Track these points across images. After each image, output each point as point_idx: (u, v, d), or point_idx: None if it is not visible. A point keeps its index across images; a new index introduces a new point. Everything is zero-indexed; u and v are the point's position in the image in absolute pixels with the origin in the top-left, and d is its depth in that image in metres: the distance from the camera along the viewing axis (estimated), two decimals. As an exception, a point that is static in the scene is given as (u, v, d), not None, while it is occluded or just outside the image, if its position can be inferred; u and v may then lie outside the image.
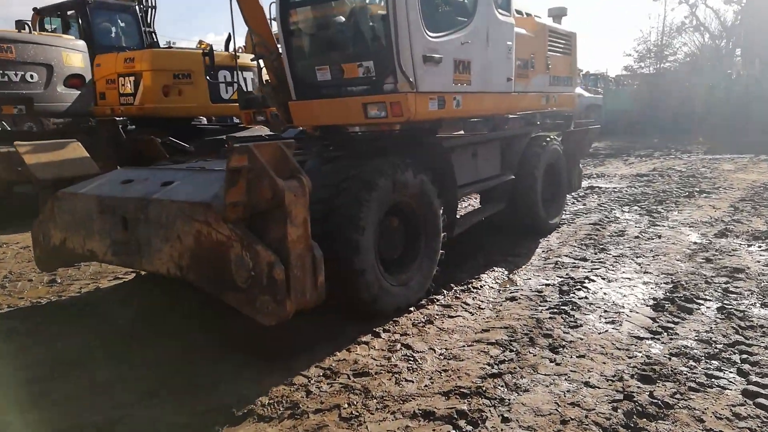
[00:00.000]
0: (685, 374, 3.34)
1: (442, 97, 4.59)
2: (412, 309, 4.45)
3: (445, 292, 4.86)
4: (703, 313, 4.31)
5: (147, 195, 3.87)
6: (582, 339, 3.85)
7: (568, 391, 3.17)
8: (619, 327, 4.06)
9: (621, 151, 17.79)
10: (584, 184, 10.87)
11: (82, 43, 9.83)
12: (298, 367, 3.54)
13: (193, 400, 3.17)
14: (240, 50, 11.03)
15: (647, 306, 4.47)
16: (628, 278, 5.20)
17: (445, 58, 4.53)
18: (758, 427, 2.82)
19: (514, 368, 3.43)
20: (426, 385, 3.28)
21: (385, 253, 4.41)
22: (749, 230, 6.87)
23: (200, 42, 12.89)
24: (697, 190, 9.97)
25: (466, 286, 5.02)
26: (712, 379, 3.27)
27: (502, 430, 2.82)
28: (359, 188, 3.99)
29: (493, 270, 5.51)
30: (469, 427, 2.85)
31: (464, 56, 4.79)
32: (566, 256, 5.98)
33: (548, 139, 7.02)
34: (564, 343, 3.78)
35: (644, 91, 25.82)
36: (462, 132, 6.56)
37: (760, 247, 6.13)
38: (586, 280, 5.06)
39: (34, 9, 11.59)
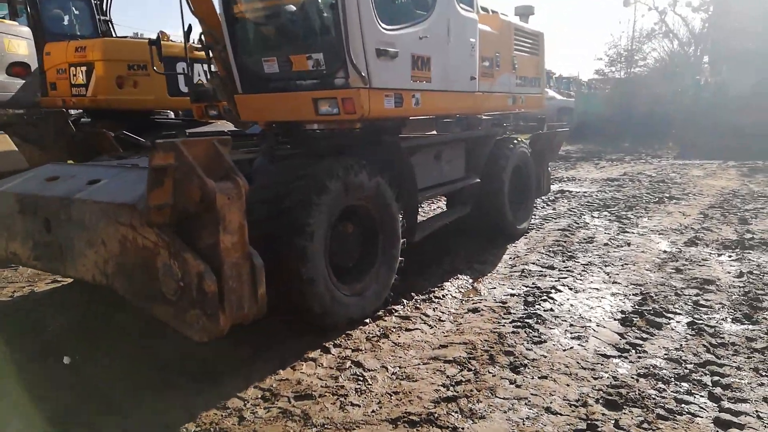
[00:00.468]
0: (654, 399, 3.09)
1: (399, 94, 4.28)
2: (367, 321, 4.13)
3: (404, 301, 4.56)
4: (672, 329, 4.09)
5: (70, 194, 3.48)
6: (545, 357, 3.58)
7: (527, 418, 2.88)
8: (585, 343, 3.81)
9: (592, 155, 17.78)
10: (555, 187, 10.73)
11: (26, 30, 9.27)
12: (234, 387, 3.20)
13: (107, 429, 2.80)
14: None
15: (615, 320, 4.24)
16: (596, 288, 4.97)
17: (401, 53, 4.22)
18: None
19: (471, 391, 3.13)
20: (373, 411, 2.97)
21: (338, 260, 4.08)
22: (719, 239, 6.73)
23: (161, 32, 12.37)
24: (667, 195, 9.88)
25: (427, 296, 4.73)
26: (682, 405, 3.03)
27: (453, 465, 2.53)
28: (308, 190, 3.65)
29: (458, 278, 5.23)
30: (417, 462, 2.55)
31: (423, 52, 4.48)
32: (533, 263, 5.73)
33: (516, 141, 6.77)
34: (526, 361, 3.50)
35: (615, 95, 25.98)
36: (434, 132, 6.28)
37: (729, 256, 5.98)
38: (553, 290, 4.81)
39: (-22, -6, 10.95)
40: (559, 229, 7.26)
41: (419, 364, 3.48)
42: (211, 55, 4.77)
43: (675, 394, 3.15)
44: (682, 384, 3.27)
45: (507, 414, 2.92)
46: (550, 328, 4.04)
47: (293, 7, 4.31)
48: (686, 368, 3.47)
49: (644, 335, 3.97)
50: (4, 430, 2.83)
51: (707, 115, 20.04)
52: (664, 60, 29.67)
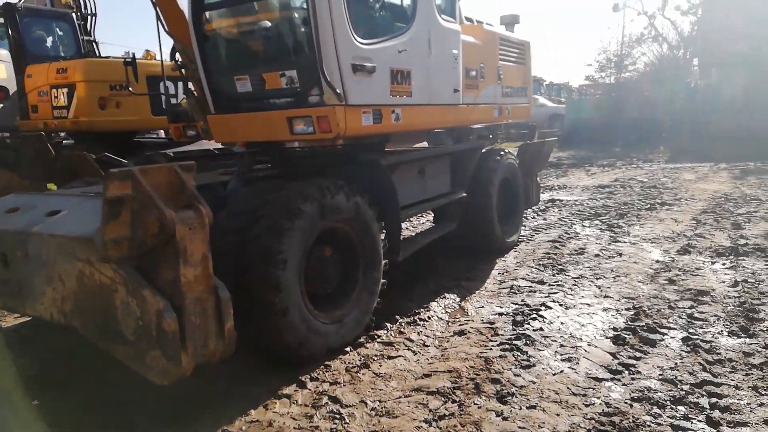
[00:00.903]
0: (649, 426, 2.92)
1: (378, 110, 4.12)
2: (348, 349, 3.94)
3: (388, 325, 4.38)
4: (667, 345, 3.92)
5: (27, 227, 3.29)
6: (534, 383, 3.40)
7: (514, 455, 2.71)
8: (575, 366, 3.63)
9: (584, 161, 17.68)
10: (545, 196, 10.58)
11: (4, 53, 9.12)
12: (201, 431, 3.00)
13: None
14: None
15: (607, 338, 4.07)
16: (587, 304, 4.80)
17: (379, 68, 4.07)
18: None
19: (455, 426, 2.95)
20: (350, 451, 2.78)
21: (316, 287, 3.90)
22: (712, 245, 6.58)
23: (147, 51, 12.24)
24: (659, 201, 9.74)
25: (412, 318, 4.54)
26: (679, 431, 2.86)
27: None
28: (278, 216, 3.47)
29: (444, 297, 5.05)
30: None
31: (403, 65, 4.34)
32: (523, 278, 5.56)
33: (502, 153, 6.62)
34: (514, 389, 3.32)
35: (606, 100, 25.95)
36: (426, 144, 6.12)
37: (724, 264, 5.83)
38: (543, 307, 4.63)
39: (-41, 17, 10.77)
40: (549, 241, 7.10)
41: (401, 397, 3.29)
42: (185, 74, 4.63)
43: (671, 420, 2.98)
44: (679, 408, 3.10)
45: (492, 450, 2.74)
46: (540, 350, 3.86)
47: (266, 23, 4.17)
48: (682, 389, 3.30)
49: (637, 354, 3.80)
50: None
51: (698, 118, 20.04)
52: (653, 64, 29.67)
